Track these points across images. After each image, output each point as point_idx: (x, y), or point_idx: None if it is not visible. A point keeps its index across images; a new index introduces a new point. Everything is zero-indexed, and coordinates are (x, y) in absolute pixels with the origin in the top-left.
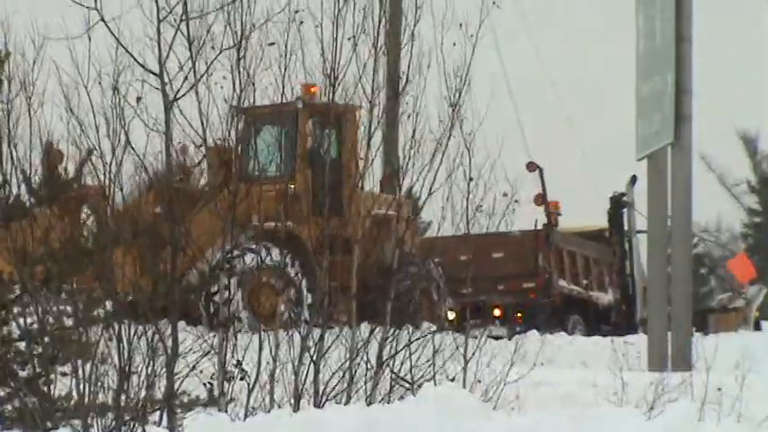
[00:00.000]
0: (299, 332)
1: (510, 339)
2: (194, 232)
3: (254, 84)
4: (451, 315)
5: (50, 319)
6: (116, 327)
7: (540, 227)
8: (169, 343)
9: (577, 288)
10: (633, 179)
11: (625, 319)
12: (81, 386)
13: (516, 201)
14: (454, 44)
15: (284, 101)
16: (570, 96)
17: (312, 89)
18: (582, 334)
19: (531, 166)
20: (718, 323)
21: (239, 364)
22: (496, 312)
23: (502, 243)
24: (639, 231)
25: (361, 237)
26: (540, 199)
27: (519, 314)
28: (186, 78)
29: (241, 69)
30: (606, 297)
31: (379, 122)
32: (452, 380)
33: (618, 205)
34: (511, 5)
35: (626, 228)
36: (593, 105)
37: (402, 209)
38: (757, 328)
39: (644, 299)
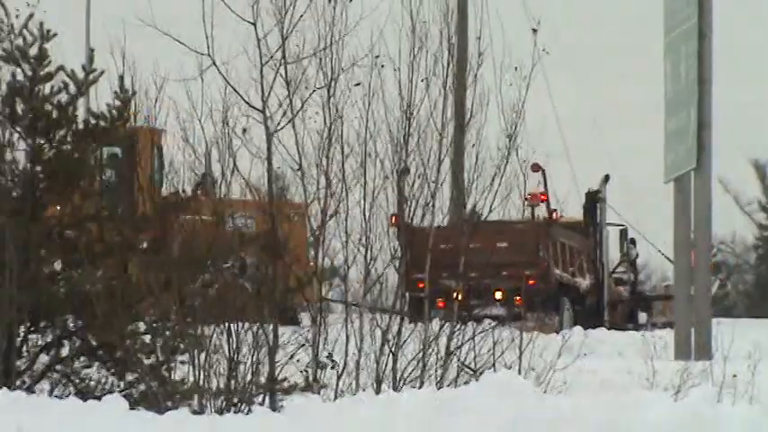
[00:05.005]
0: (380, 327)
1: (509, 320)
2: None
3: (342, 118)
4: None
5: (171, 316)
6: (227, 323)
7: (541, 221)
8: (271, 336)
9: (567, 275)
10: (606, 178)
11: (596, 301)
12: (197, 372)
13: (562, 216)
14: (510, 84)
15: None
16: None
17: None
18: (569, 314)
19: (535, 167)
20: (664, 310)
21: (330, 355)
22: (498, 295)
23: (507, 233)
24: (609, 224)
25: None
26: (544, 196)
27: (518, 297)
28: (285, 114)
29: (331, 106)
30: (585, 283)
31: (447, 151)
32: (509, 368)
33: (593, 201)
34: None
35: (598, 221)
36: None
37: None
38: None
39: (609, 284)
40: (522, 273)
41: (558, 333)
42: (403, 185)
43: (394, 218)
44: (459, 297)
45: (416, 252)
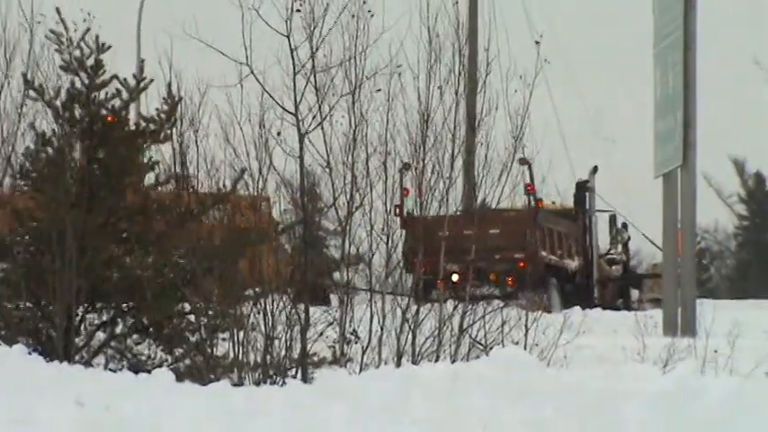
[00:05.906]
0: (401, 307)
1: (503, 299)
2: None
3: (366, 121)
4: (455, 277)
5: (213, 298)
6: (263, 303)
7: (529, 209)
8: (302, 315)
9: (554, 257)
10: (595, 169)
11: (585, 280)
12: (236, 348)
13: (562, 204)
14: (516, 91)
15: None
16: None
17: None
18: (557, 293)
19: (523, 161)
20: (653, 287)
21: (355, 332)
22: (492, 277)
23: (499, 220)
24: (599, 211)
25: None
26: (529, 187)
27: (510, 278)
28: (314, 117)
29: (356, 110)
30: (573, 263)
31: (460, 150)
32: (516, 344)
33: (582, 190)
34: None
35: (587, 208)
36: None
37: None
38: None
39: (599, 264)
40: (512, 256)
41: (550, 312)
42: (414, 179)
43: (397, 208)
44: (457, 279)
45: (418, 239)
